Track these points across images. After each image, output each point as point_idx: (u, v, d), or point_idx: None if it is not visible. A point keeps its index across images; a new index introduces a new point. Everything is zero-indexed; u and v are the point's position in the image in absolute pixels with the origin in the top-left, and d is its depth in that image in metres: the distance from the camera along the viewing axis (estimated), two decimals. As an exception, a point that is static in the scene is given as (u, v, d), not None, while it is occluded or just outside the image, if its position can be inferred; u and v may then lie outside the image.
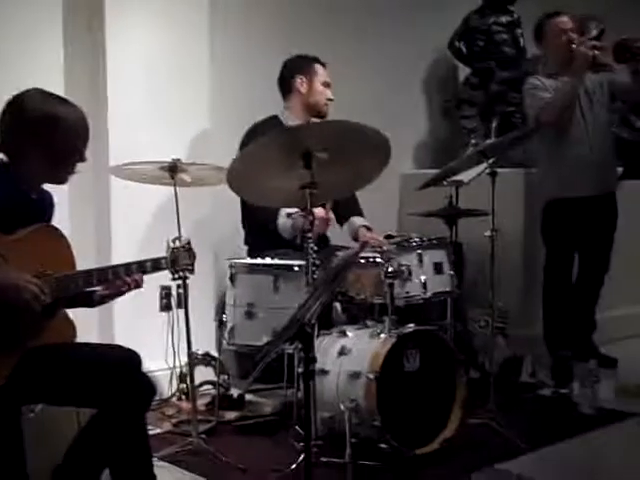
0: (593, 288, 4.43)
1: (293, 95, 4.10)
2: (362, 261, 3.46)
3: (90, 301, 2.65)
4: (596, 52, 3.95)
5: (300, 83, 4.07)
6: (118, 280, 2.56)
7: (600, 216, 4.26)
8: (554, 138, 4.19)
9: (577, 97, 4.14)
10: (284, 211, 3.82)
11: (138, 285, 2.60)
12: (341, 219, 4.20)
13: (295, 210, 3.73)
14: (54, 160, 2.47)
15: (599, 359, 4.22)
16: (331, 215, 3.77)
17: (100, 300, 2.64)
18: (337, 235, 4.22)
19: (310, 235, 3.09)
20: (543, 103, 4.13)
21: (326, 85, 4.10)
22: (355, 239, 4.08)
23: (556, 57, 4.21)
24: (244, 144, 3.88)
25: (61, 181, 2.56)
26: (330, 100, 4.10)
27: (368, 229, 4.08)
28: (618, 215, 4.35)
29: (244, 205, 4.02)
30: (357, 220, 4.16)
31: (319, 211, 3.64)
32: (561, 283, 4.27)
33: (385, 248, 3.50)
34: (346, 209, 4.15)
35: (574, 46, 4.06)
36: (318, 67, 4.11)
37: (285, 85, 4.13)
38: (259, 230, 3.98)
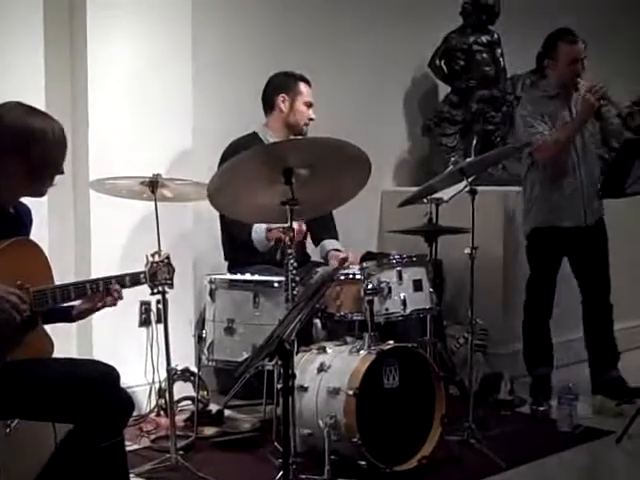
0: (603, 315, 4.28)
1: (274, 112, 4.10)
2: (342, 278, 3.47)
3: (69, 316, 2.63)
4: (602, 102, 3.96)
5: (282, 101, 4.07)
6: (96, 294, 2.55)
7: (590, 243, 4.20)
8: (546, 167, 4.14)
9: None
10: (257, 225, 3.82)
11: (118, 297, 2.59)
12: (315, 240, 4.20)
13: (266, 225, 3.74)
14: (32, 173, 2.46)
15: (625, 392, 4.13)
16: (303, 227, 3.76)
17: (78, 315, 2.62)
18: (317, 252, 4.23)
19: (291, 251, 3.10)
20: (539, 140, 4.06)
21: (308, 105, 4.08)
22: (325, 261, 4.09)
23: (559, 80, 4.16)
24: (223, 160, 3.88)
25: (39, 194, 2.55)
26: (311, 120, 4.10)
27: (338, 252, 4.07)
28: (608, 239, 4.28)
29: (222, 220, 4.02)
30: (328, 243, 4.15)
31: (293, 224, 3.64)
32: (542, 303, 4.25)
33: (357, 267, 3.48)
34: (321, 229, 4.14)
35: (582, 83, 4.04)
36: (302, 86, 4.09)
37: (267, 101, 4.13)
38: (238, 245, 3.97)
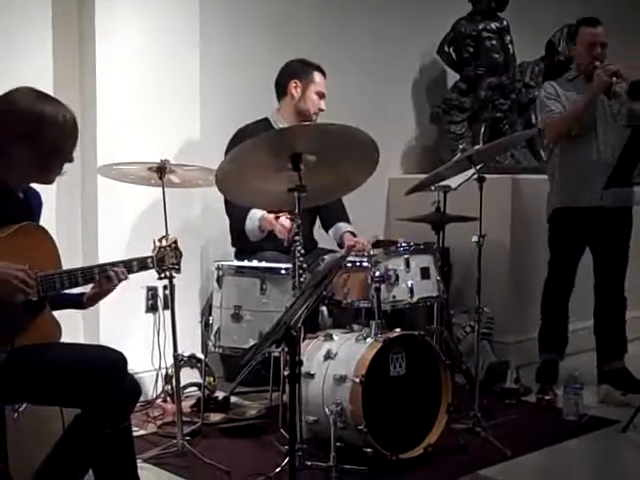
0: (614, 306, 4.26)
1: (286, 98, 4.08)
2: (349, 265, 3.47)
3: (80, 303, 2.64)
4: (614, 79, 3.95)
5: (294, 87, 4.05)
6: (104, 278, 2.55)
7: (611, 230, 4.18)
8: (565, 148, 4.16)
9: (595, 112, 4.10)
10: (253, 212, 3.81)
11: (124, 278, 2.59)
12: (327, 225, 4.20)
13: (262, 212, 3.74)
14: (42, 160, 2.46)
15: (630, 384, 4.13)
16: (294, 226, 3.74)
17: (89, 301, 2.63)
18: (324, 238, 4.23)
19: (298, 238, 3.10)
20: (549, 119, 4.10)
21: (320, 95, 4.06)
22: (340, 245, 4.08)
23: (580, 64, 4.21)
24: (233, 144, 3.86)
25: (48, 181, 2.55)
26: (321, 110, 4.08)
27: (353, 235, 4.08)
28: (631, 233, 4.26)
29: (225, 205, 4.01)
30: (343, 226, 4.16)
31: (283, 220, 3.64)
32: (562, 281, 4.23)
33: (370, 252, 3.50)
34: (332, 215, 4.15)
35: (597, 64, 4.05)
36: (317, 75, 4.07)
37: (280, 87, 4.11)
38: (242, 232, 3.97)
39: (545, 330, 4.30)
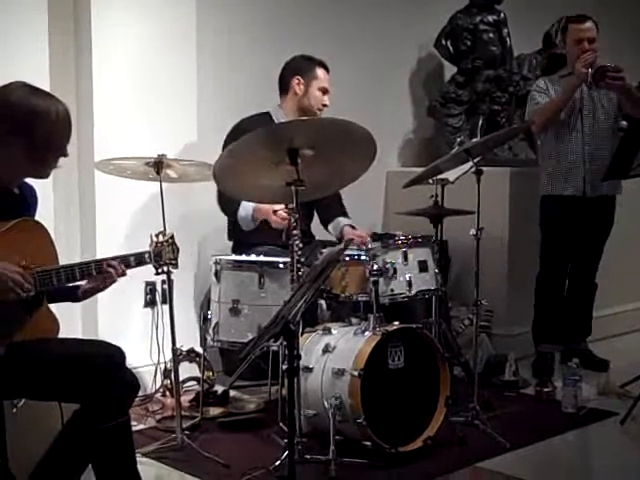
0: (586, 292, 4.49)
1: (289, 94, 4.07)
2: (347, 259, 3.47)
3: (75, 295, 2.64)
4: (590, 70, 3.99)
5: (297, 84, 4.03)
6: (101, 274, 2.55)
7: (592, 217, 4.28)
8: (551, 136, 4.26)
9: (580, 103, 4.19)
10: (245, 202, 3.81)
11: (122, 274, 2.59)
12: (325, 220, 4.20)
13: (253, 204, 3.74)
14: (36, 154, 2.45)
15: (591, 362, 4.33)
16: (291, 219, 3.74)
17: (84, 294, 2.63)
18: (322, 232, 4.23)
19: (296, 232, 3.10)
20: (534, 110, 4.23)
21: (324, 91, 4.05)
22: (340, 239, 4.08)
23: (570, 61, 4.26)
24: (232, 138, 3.84)
25: (43, 176, 2.54)
26: (325, 106, 4.08)
27: (353, 228, 4.08)
28: (614, 222, 4.39)
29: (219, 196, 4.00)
30: (342, 220, 4.16)
31: (281, 212, 3.64)
32: (555, 274, 4.32)
33: (369, 245, 3.50)
34: (330, 210, 4.15)
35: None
36: (320, 71, 4.05)
37: (283, 83, 4.10)
38: (236, 223, 3.96)
39: (538, 322, 4.34)
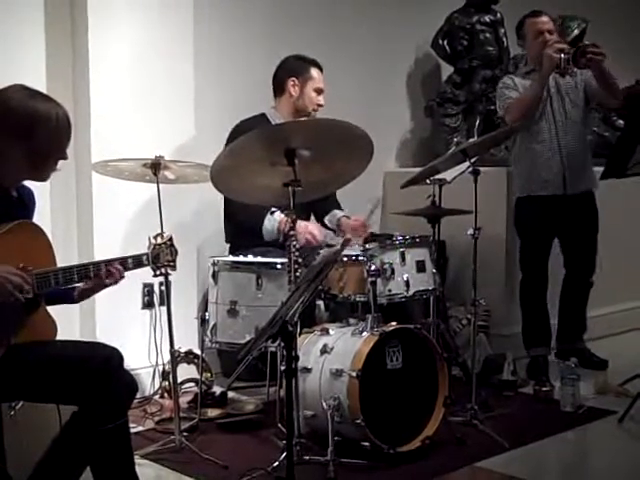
0: (582, 291, 4.44)
1: (284, 96, 4.07)
2: (345, 259, 3.47)
3: (71, 297, 2.63)
4: (562, 56, 3.95)
5: (292, 85, 4.03)
6: (99, 276, 2.55)
7: (575, 215, 4.26)
8: (523, 136, 4.23)
9: (548, 97, 4.16)
10: (270, 214, 3.81)
11: (120, 277, 2.59)
12: (321, 214, 4.20)
13: (282, 216, 3.75)
14: (35, 158, 2.45)
15: (590, 362, 4.33)
16: (316, 232, 3.78)
17: (81, 295, 2.63)
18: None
19: (293, 233, 3.10)
20: (508, 103, 4.18)
21: (318, 91, 4.05)
22: (336, 229, 4.10)
23: (532, 56, 4.25)
24: (231, 141, 3.85)
25: (42, 179, 2.54)
26: (320, 106, 4.08)
27: (348, 219, 4.09)
28: (598, 215, 4.35)
29: (228, 203, 4.01)
30: (338, 212, 4.17)
31: (312, 228, 3.72)
32: (536, 277, 4.29)
33: (369, 231, 3.49)
34: (326, 204, 4.15)
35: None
36: (314, 71, 4.06)
37: (278, 84, 4.10)
38: (243, 229, 3.96)
39: (527, 327, 4.34)
